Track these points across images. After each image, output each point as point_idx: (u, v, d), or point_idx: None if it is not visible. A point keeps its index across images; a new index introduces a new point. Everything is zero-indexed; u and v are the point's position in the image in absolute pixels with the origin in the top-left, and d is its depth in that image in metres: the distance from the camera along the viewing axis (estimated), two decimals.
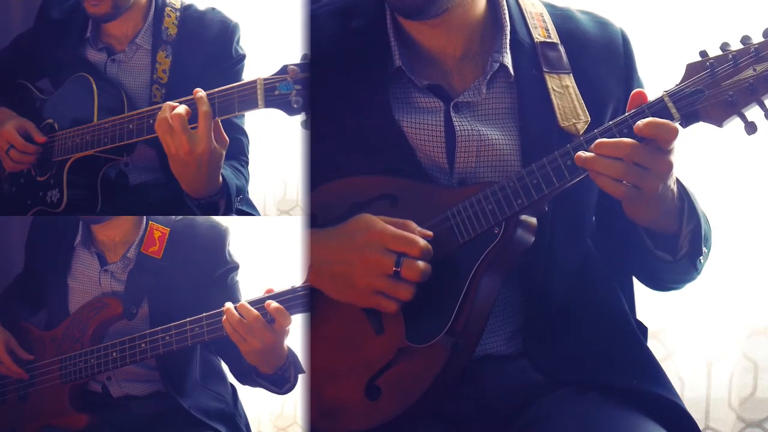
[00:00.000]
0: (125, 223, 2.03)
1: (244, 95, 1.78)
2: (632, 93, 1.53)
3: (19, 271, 2.17)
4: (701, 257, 1.61)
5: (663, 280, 1.73)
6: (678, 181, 1.57)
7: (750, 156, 2.42)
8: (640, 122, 1.47)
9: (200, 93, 1.78)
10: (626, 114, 1.51)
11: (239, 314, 1.78)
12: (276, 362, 1.86)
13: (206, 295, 1.96)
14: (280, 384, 1.91)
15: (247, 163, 2.09)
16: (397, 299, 1.53)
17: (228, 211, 1.93)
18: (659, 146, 1.47)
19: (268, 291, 1.80)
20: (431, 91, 1.65)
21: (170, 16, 2.08)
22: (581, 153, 1.49)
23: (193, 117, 1.78)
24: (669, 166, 1.48)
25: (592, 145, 1.49)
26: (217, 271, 2.03)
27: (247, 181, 2.06)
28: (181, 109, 1.77)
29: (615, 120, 1.51)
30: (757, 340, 2.56)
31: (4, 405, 2.03)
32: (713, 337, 2.55)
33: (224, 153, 1.81)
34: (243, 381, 2.07)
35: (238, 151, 2.06)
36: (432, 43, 1.66)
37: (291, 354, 1.87)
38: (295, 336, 1.81)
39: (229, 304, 1.80)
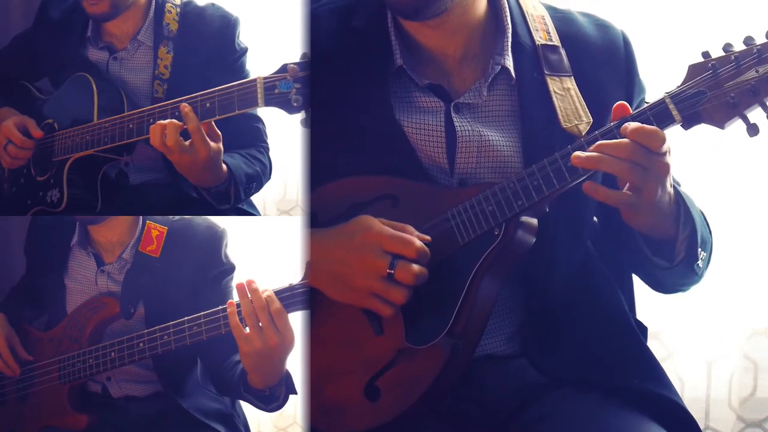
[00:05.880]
0: (122, 223, 2.02)
1: (244, 94, 1.79)
2: (615, 105, 1.53)
3: (19, 271, 2.17)
4: (699, 261, 1.61)
5: (665, 285, 1.73)
6: (673, 185, 1.57)
7: (750, 157, 2.42)
8: (628, 125, 1.47)
9: (186, 108, 1.80)
10: (627, 116, 1.51)
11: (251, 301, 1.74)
12: (269, 379, 1.81)
13: (200, 296, 1.95)
14: (266, 401, 1.87)
15: (268, 149, 2.10)
16: (390, 303, 1.53)
17: (238, 199, 1.95)
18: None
19: (249, 282, 1.75)
20: (432, 90, 1.65)
21: (171, 12, 2.08)
22: (578, 153, 1.49)
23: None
24: (667, 168, 1.49)
25: (592, 147, 1.48)
26: (212, 271, 2.02)
27: (265, 166, 2.06)
28: (174, 132, 1.79)
29: (616, 122, 1.51)
30: (757, 340, 2.56)
31: (4, 406, 2.02)
32: (713, 337, 2.56)
33: (221, 145, 1.83)
34: (224, 393, 2.04)
35: (257, 138, 2.08)
36: (432, 43, 1.66)
37: (286, 376, 1.83)
38: (295, 335, 1.80)
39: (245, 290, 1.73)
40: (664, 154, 1.48)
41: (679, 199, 1.58)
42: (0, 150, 2.06)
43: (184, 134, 1.81)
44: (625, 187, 1.51)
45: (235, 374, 1.91)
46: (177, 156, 1.81)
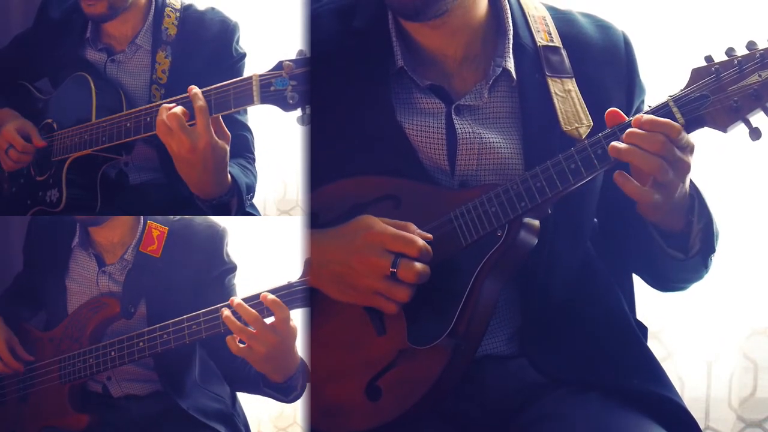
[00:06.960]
0: (123, 224, 2.02)
1: (240, 91, 1.78)
2: (607, 111, 1.53)
3: (19, 271, 2.17)
4: (713, 255, 1.62)
5: (671, 280, 1.73)
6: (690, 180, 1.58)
7: (752, 160, 2.43)
8: (642, 116, 1.48)
9: (194, 90, 1.78)
10: (630, 119, 1.51)
11: (240, 320, 1.74)
12: (286, 371, 1.82)
13: (203, 296, 1.95)
14: (286, 392, 1.88)
15: (254, 160, 2.09)
16: (394, 301, 1.53)
17: (240, 211, 1.93)
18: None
19: (231, 301, 1.75)
20: (433, 91, 1.64)
21: (170, 17, 2.08)
22: (615, 144, 1.48)
23: (191, 115, 1.78)
24: (688, 166, 1.50)
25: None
26: (214, 271, 2.02)
27: (255, 177, 2.06)
28: (177, 109, 1.77)
29: (619, 124, 1.51)
30: (757, 340, 2.57)
31: (4, 406, 2.02)
32: (713, 337, 2.56)
33: (228, 148, 1.80)
34: (242, 389, 2.06)
35: (243, 148, 2.06)
36: (433, 44, 1.66)
37: (302, 363, 1.84)
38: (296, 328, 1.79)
39: (227, 312, 1.75)
40: (689, 152, 1.49)
41: (694, 192, 1.58)
42: (1, 154, 2.05)
43: None
44: (648, 183, 1.51)
45: (251, 371, 1.90)
46: (177, 138, 1.75)
